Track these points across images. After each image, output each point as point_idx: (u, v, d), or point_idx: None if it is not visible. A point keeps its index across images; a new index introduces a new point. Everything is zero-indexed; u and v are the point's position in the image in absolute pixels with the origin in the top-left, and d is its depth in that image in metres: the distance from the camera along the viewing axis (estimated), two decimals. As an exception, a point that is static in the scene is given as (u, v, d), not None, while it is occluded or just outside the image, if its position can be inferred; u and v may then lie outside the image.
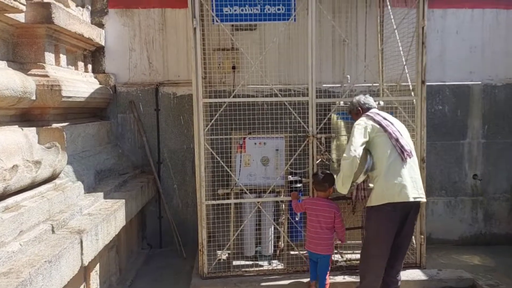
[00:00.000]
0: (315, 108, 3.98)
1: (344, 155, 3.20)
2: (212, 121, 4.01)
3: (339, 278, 3.98)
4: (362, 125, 3.31)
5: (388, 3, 4.61)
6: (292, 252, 4.22)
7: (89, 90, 4.28)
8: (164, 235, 5.06)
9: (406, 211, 3.23)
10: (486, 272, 4.34)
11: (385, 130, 3.26)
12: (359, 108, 3.58)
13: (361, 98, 3.63)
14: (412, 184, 3.19)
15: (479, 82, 5.19)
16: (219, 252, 4.31)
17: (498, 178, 5.28)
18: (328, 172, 3.77)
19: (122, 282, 4.05)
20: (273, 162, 4.21)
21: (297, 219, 4.20)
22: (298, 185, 4.25)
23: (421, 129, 4.04)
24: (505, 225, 5.32)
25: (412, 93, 4.25)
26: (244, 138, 4.17)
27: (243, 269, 4.12)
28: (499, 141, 5.24)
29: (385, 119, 3.35)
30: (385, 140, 3.25)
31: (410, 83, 4.32)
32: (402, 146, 3.22)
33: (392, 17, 4.54)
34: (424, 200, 3.30)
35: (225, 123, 4.23)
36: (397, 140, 3.23)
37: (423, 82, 4.01)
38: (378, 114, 3.41)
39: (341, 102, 4.28)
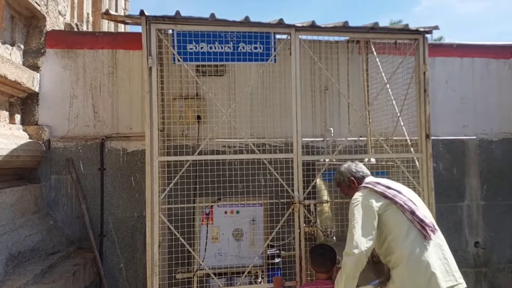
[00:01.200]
0: (301, 168, 3.19)
1: (346, 249, 2.40)
2: (171, 185, 3.11)
3: None
4: (363, 203, 2.52)
5: (373, 50, 4.07)
6: None
7: (10, 146, 3.32)
8: (106, 331, 3.91)
9: None
10: None
11: (394, 201, 2.50)
12: (352, 178, 2.81)
13: (352, 166, 2.87)
14: (443, 268, 2.38)
15: (474, 137, 4.66)
16: None
17: (502, 245, 4.62)
18: (328, 245, 2.90)
19: None
20: (248, 236, 3.32)
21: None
22: (276, 260, 3.37)
23: (428, 192, 3.33)
24: (514, 301, 4.59)
25: (412, 149, 3.59)
26: (212, 206, 3.28)
27: None
28: (500, 203, 4.64)
29: (389, 188, 2.58)
30: (397, 214, 2.47)
31: (407, 137, 3.67)
32: (422, 220, 2.44)
33: (379, 64, 3.98)
34: (464, 286, 2.43)
35: (187, 187, 3.34)
36: (412, 213, 2.46)
37: (427, 136, 3.36)
38: (378, 183, 2.64)
39: (328, 160, 3.53)
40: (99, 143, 4.03)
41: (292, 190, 3.18)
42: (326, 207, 3.76)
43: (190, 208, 3.26)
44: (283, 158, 3.31)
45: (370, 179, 2.77)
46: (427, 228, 2.42)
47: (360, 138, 4.24)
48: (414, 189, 3.35)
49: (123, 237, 4.00)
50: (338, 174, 2.90)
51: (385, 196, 2.53)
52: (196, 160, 3.24)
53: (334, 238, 3.39)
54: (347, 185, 2.83)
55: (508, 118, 4.76)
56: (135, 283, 3.99)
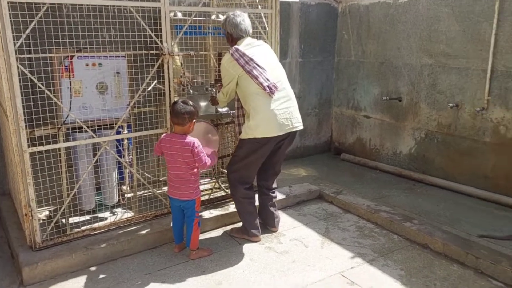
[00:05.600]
0: (169, 18, 3.18)
1: (218, 97, 3.36)
2: (27, 31, 2.71)
3: (206, 214, 3.62)
4: (224, 66, 3.14)
5: None
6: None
7: None
8: None
9: (279, 141, 3.25)
10: (315, 181, 4.76)
11: (244, 69, 3.05)
12: (229, 34, 3.22)
13: (234, 20, 3.16)
14: (284, 116, 3.14)
15: (297, 0, 5.28)
16: (48, 214, 3.24)
17: (311, 95, 5.74)
18: (190, 103, 3.03)
19: None
20: (113, 89, 3.27)
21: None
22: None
23: (275, 46, 3.81)
24: (314, 136, 5.93)
25: (259, 6, 3.92)
26: (71, 57, 3.04)
27: (84, 228, 3.23)
28: (311, 59, 5.61)
29: (243, 55, 3.05)
30: (247, 80, 3.08)
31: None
32: (264, 82, 3.03)
33: None
34: (299, 127, 3.29)
35: (42, 36, 2.96)
36: (257, 77, 3.04)
37: (277, -7, 3.71)
38: (238, 49, 3.07)
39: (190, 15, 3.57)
40: None
41: (161, 42, 3.19)
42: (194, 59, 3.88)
43: (47, 59, 2.93)
44: (150, 7, 3.20)
45: (240, 42, 3.15)
46: (269, 88, 3.03)
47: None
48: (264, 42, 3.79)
49: None
50: (223, 22, 3.19)
51: (239, 64, 3.03)
52: (54, 4, 2.82)
53: (191, 91, 3.63)
54: (227, 37, 3.21)
55: (323, -14, 5.51)
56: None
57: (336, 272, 3.02)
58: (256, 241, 3.42)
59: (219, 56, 3.65)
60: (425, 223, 3.59)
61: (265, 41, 3.81)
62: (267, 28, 3.79)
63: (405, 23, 4.80)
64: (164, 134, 3.11)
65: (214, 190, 3.95)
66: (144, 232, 3.31)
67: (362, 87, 5.46)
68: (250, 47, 3.15)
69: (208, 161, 3.02)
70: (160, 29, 3.17)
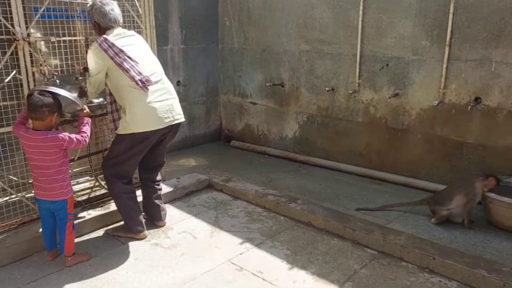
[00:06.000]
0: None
1: (87, 89, 3.07)
2: None
3: (84, 215, 3.32)
4: (93, 59, 2.88)
5: None
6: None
7: None
8: None
9: (162, 135, 3.11)
10: (205, 170, 4.69)
11: (114, 61, 2.82)
12: (96, 23, 2.94)
13: (102, 8, 2.89)
14: (164, 108, 2.99)
15: (174, -18, 5.09)
16: None
17: (196, 83, 5.62)
18: (49, 91, 2.63)
19: None
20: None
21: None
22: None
23: (150, 31, 3.62)
24: (203, 125, 5.85)
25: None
26: None
27: None
28: (195, 46, 5.48)
29: (112, 45, 2.82)
30: (117, 72, 2.85)
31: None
32: (136, 76, 2.83)
33: None
34: (181, 120, 3.16)
35: None
36: (128, 70, 2.82)
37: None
38: (106, 39, 2.83)
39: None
40: None
41: (12, 25, 2.79)
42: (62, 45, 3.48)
43: None
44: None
45: (109, 32, 2.91)
46: (141, 83, 2.85)
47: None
48: (138, 27, 3.57)
49: None
50: (87, 11, 2.96)
51: (108, 55, 2.80)
52: None
53: (57, 81, 3.27)
54: (94, 26, 2.95)
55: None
56: None
57: (225, 260, 2.99)
58: (141, 238, 3.24)
59: (86, 42, 3.33)
60: (308, 202, 3.75)
61: (139, 26, 3.60)
62: (141, 12, 3.57)
63: (283, 10, 4.92)
64: (19, 130, 2.64)
65: (94, 188, 3.65)
66: (9, 242, 2.91)
67: (247, 74, 5.51)
68: (120, 37, 2.92)
69: (82, 138, 2.74)
70: (11, 10, 2.76)
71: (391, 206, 3.72)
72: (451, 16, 3.67)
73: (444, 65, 3.80)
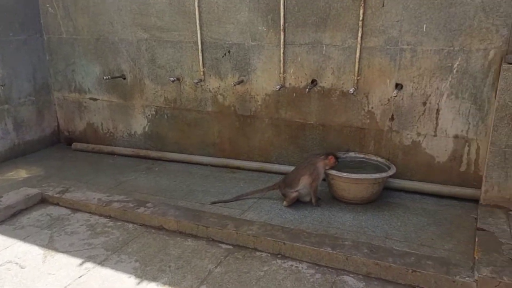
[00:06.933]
0: None
1: None
2: None
3: None
4: None
5: None
6: None
7: None
8: None
9: None
10: (41, 181, 4.06)
11: None
12: None
13: None
14: None
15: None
16: None
17: (20, 80, 4.80)
18: None
19: None
20: None
21: None
22: None
23: None
24: (36, 129, 5.07)
25: None
26: None
27: None
28: (12, 38, 4.66)
29: None
30: None
31: None
32: None
33: None
34: None
35: None
36: None
37: None
38: None
39: None
40: None
41: None
42: None
43: None
44: None
45: None
46: None
47: None
48: None
49: None
50: None
51: None
52: None
53: None
54: None
55: None
56: None
57: (61, 288, 2.57)
58: None
59: None
60: (159, 203, 3.47)
61: None
62: None
63: (114, -5, 4.46)
64: None
65: None
66: None
67: (82, 67, 4.90)
68: None
69: None
70: None
71: (245, 194, 3.67)
72: (282, 0, 3.71)
73: (281, 50, 3.85)
